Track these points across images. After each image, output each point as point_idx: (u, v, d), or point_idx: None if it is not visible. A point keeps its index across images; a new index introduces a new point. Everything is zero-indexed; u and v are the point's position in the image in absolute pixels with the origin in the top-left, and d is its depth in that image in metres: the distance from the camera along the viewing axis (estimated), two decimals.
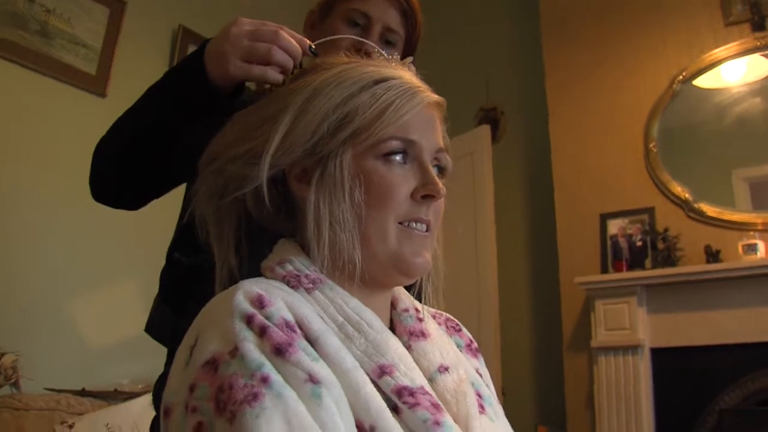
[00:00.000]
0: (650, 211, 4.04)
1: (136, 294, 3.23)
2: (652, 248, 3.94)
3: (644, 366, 3.83)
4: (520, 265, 4.87)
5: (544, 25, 4.69)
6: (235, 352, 0.78)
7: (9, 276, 3.04)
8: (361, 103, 0.94)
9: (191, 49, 1.75)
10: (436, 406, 0.86)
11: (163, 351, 1.43)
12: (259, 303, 0.83)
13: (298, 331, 0.83)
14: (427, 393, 0.87)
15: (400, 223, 0.95)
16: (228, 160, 0.98)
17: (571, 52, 4.51)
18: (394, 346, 0.90)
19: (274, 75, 1.08)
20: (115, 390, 2.91)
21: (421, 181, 0.96)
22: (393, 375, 0.86)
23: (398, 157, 0.95)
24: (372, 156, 0.95)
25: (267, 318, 0.82)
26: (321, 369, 0.80)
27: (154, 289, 1.47)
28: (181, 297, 1.33)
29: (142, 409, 2.65)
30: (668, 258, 3.85)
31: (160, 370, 1.41)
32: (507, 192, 4.86)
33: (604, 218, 4.17)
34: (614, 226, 4.11)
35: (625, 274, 3.92)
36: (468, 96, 5.08)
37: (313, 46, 1.11)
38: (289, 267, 0.94)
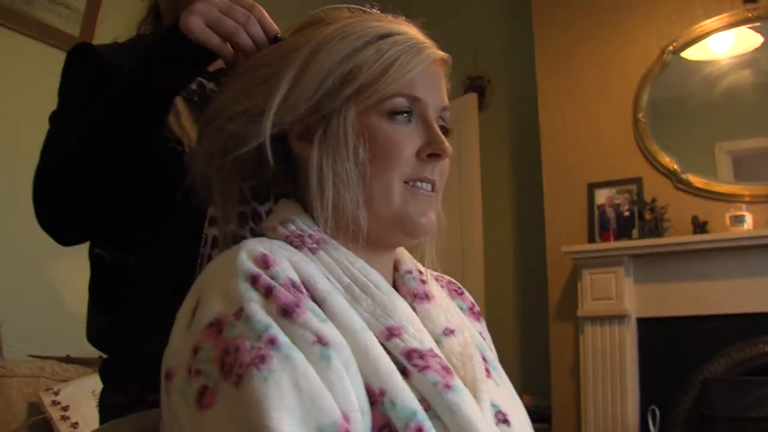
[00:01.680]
0: (638, 181, 4.04)
1: None
2: (640, 218, 3.94)
3: (630, 336, 3.85)
4: (506, 234, 4.86)
5: None
6: (240, 313, 0.76)
7: None
8: (366, 58, 0.91)
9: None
10: (446, 368, 0.83)
11: None
12: (264, 263, 0.80)
13: (305, 291, 0.81)
14: (436, 356, 0.85)
15: (405, 182, 0.92)
16: (228, 119, 0.95)
17: (562, 21, 4.47)
18: (401, 307, 0.88)
19: (229, 53, 1.02)
20: (100, 357, 2.86)
21: (427, 140, 0.93)
22: (402, 337, 0.84)
23: (403, 115, 0.93)
24: (376, 113, 0.92)
25: (272, 278, 0.79)
26: (329, 330, 0.78)
27: None
28: (108, 298, 1.26)
29: None
30: (655, 228, 3.85)
31: None
32: (493, 161, 4.85)
33: (592, 188, 4.16)
34: (602, 196, 4.11)
35: (613, 244, 3.93)
36: (455, 64, 5.01)
37: (279, 35, 1.06)
38: (292, 227, 0.91)
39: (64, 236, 1.17)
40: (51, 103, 1.27)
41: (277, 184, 1.00)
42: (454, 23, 5.14)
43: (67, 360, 2.85)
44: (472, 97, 4.80)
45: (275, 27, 1.05)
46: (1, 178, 3.05)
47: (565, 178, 4.28)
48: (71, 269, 3.24)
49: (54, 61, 3.25)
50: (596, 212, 4.11)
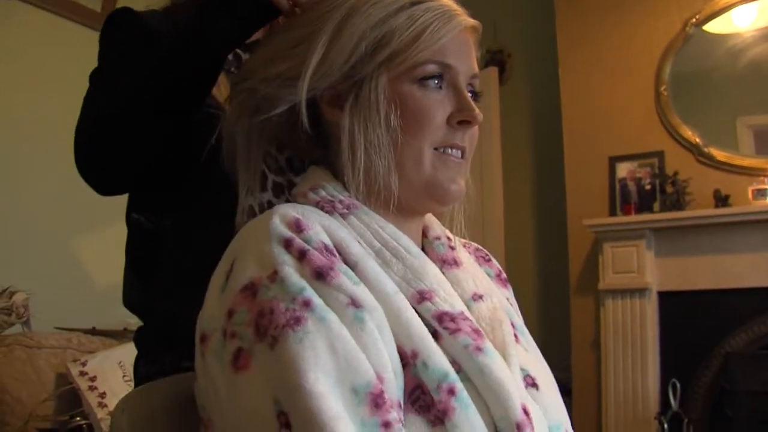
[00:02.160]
0: (660, 154, 4.01)
1: None
2: (661, 192, 3.92)
3: (651, 309, 3.85)
4: (527, 207, 4.85)
5: None
6: (275, 276, 0.77)
7: (19, 214, 3.02)
8: (398, 24, 0.91)
9: None
10: (477, 331, 0.85)
11: None
12: (297, 227, 0.81)
13: (337, 255, 0.82)
14: (467, 319, 0.86)
15: (436, 149, 0.93)
16: (262, 80, 0.95)
17: None
18: (432, 271, 0.89)
19: (288, 8, 1.03)
20: (125, 329, 2.91)
21: (457, 107, 0.94)
22: (433, 300, 0.85)
23: (434, 82, 0.93)
24: (408, 80, 0.92)
25: (306, 242, 0.80)
26: (363, 293, 0.79)
27: None
28: (144, 264, 1.26)
29: None
30: (677, 202, 3.83)
31: None
32: (514, 134, 4.82)
33: (613, 161, 4.14)
34: (623, 170, 4.08)
35: (634, 217, 3.91)
36: None
37: None
38: (323, 192, 0.92)
39: (105, 183, 1.18)
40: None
41: (307, 151, 1.01)
42: None
43: (93, 332, 2.88)
44: (493, 71, 4.78)
45: None
46: (26, 152, 3.08)
47: (587, 151, 4.25)
48: (97, 244, 3.29)
49: (76, 36, 3.29)
50: (617, 186, 4.08)
